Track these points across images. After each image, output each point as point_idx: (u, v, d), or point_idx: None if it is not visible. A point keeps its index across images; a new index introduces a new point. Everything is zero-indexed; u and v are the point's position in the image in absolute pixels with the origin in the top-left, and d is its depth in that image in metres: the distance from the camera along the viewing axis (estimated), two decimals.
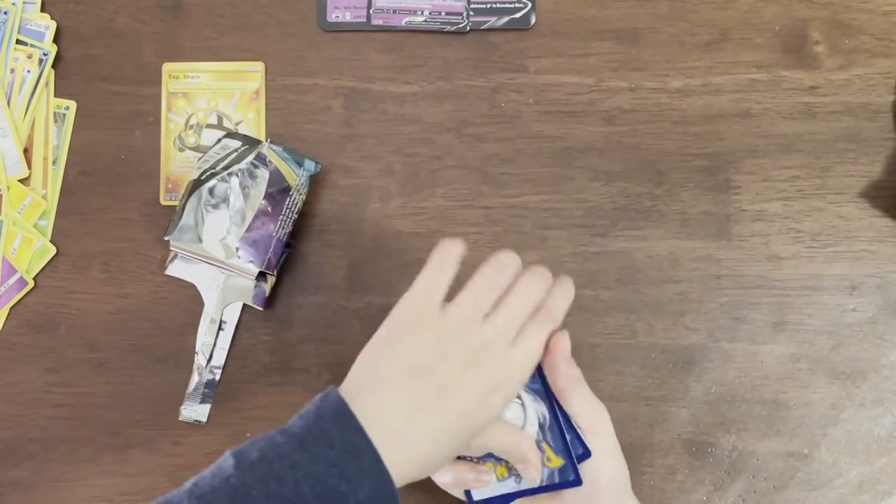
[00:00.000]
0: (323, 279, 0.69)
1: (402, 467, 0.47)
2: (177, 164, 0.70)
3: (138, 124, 0.71)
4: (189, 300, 0.69)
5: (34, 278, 0.69)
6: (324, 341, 0.68)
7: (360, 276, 0.69)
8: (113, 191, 0.70)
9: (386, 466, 0.46)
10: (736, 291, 0.68)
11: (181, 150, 0.70)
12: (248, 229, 0.65)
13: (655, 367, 0.67)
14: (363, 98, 0.71)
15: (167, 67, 0.71)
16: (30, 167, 0.70)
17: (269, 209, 0.66)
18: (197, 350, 0.68)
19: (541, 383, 0.52)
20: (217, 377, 0.68)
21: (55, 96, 0.71)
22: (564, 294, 0.55)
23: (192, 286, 0.68)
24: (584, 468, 0.53)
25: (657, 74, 0.69)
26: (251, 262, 0.65)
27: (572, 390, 0.55)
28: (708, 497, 0.66)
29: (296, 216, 0.68)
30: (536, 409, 0.52)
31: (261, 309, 0.68)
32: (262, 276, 0.67)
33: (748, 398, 0.67)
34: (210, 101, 0.71)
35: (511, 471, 0.53)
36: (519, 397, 0.53)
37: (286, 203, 0.66)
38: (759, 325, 0.67)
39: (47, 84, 0.71)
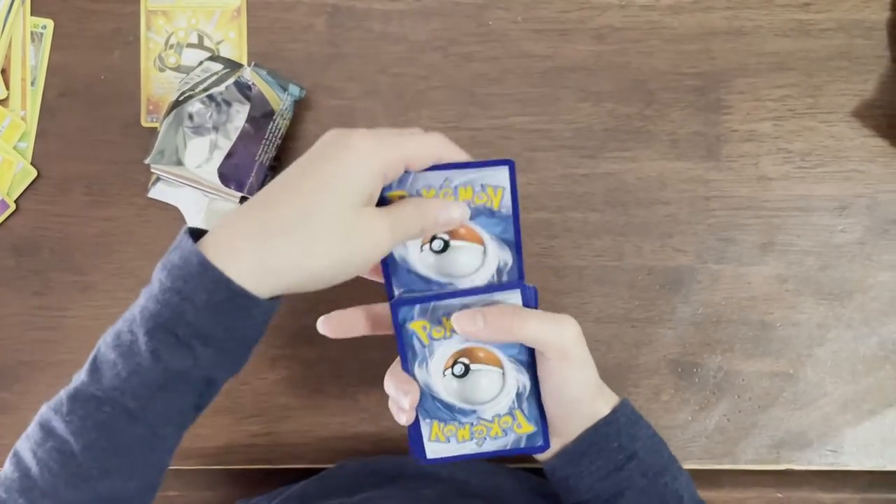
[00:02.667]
0: None
1: (242, 264, 0.43)
2: (157, 85, 0.69)
3: (118, 44, 0.69)
4: (173, 223, 0.68)
5: (16, 201, 0.68)
6: None
7: None
8: (93, 112, 0.69)
9: (215, 264, 0.42)
10: (725, 213, 0.67)
11: (161, 70, 0.69)
12: (230, 153, 0.64)
13: (643, 289, 0.67)
14: (347, 16, 0.69)
15: None
16: (8, 88, 0.68)
17: (251, 133, 0.65)
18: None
19: (527, 354, 0.51)
20: None
21: (32, 15, 0.69)
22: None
23: (176, 209, 0.68)
24: (549, 395, 0.51)
25: None
26: (233, 185, 0.64)
27: (518, 324, 0.48)
28: (693, 417, 0.67)
29: (279, 141, 0.67)
30: (517, 379, 0.52)
31: None
32: (245, 199, 0.66)
33: (735, 319, 0.67)
34: (190, 19, 0.69)
35: (474, 435, 0.53)
36: (500, 365, 0.51)
37: (269, 127, 0.65)
38: (747, 247, 0.67)
39: (24, 2, 0.69)
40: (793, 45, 0.67)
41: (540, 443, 0.52)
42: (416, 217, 0.47)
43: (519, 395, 0.51)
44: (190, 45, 0.69)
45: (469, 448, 0.52)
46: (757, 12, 0.67)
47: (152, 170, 0.66)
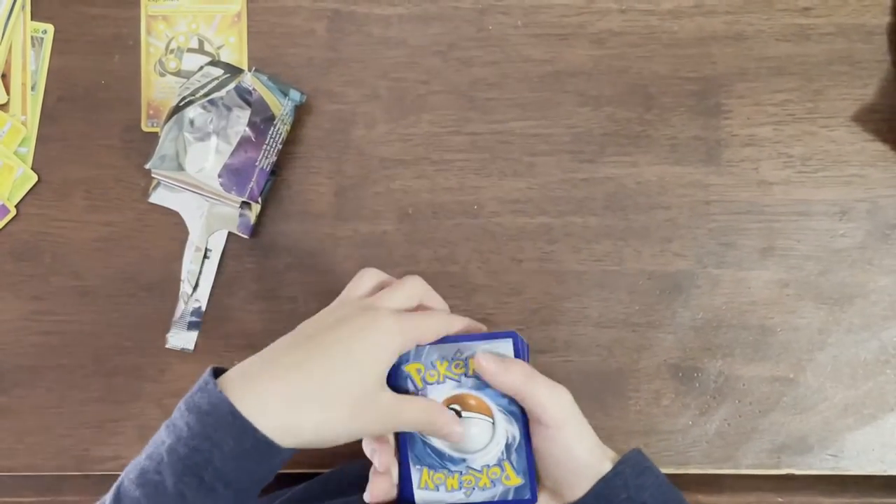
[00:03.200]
0: (308, 207, 0.68)
1: (270, 419, 0.46)
2: (158, 90, 0.69)
3: (118, 48, 0.69)
4: (174, 228, 0.68)
5: (16, 206, 0.68)
6: (309, 269, 0.68)
7: (346, 204, 0.68)
8: (94, 117, 0.69)
9: (244, 416, 0.45)
10: (725, 217, 0.67)
11: (162, 74, 0.69)
12: (231, 158, 0.64)
13: (642, 294, 0.67)
14: (348, 20, 0.69)
15: None
16: (8, 93, 0.68)
17: (252, 138, 0.65)
18: (182, 278, 0.68)
19: (518, 406, 0.51)
20: (203, 305, 0.68)
21: (32, 19, 0.69)
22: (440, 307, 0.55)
23: (177, 214, 0.68)
24: (550, 463, 0.52)
25: None
26: (234, 191, 0.64)
27: (530, 383, 0.51)
28: (693, 421, 0.67)
29: (280, 146, 0.67)
30: (507, 430, 0.52)
31: (246, 237, 0.67)
32: (246, 204, 0.66)
33: (735, 324, 0.67)
34: (190, 24, 0.69)
35: (462, 484, 0.53)
36: (491, 415, 0.52)
37: (270, 133, 0.65)
38: (747, 251, 0.67)
39: (24, 7, 0.69)
40: (793, 50, 0.67)
41: (527, 496, 0.52)
42: (423, 419, 0.51)
43: (508, 447, 0.52)
44: (190, 50, 0.69)
45: (457, 497, 0.53)
46: (757, 17, 0.67)
47: (153, 175, 0.66)
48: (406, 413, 0.50)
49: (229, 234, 0.68)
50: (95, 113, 0.69)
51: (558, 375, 0.66)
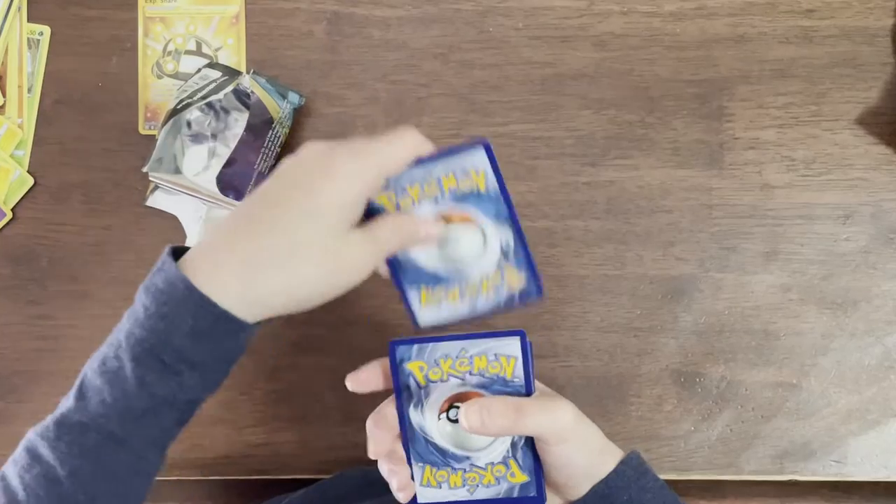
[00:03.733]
0: None
1: (230, 292, 0.43)
2: (155, 92, 0.68)
3: (115, 50, 0.69)
4: (171, 232, 0.67)
5: (12, 210, 0.68)
6: None
7: None
8: (91, 119, 0.68)
9: (202, 291, 0.42)
10: (727, 221, 0.66)
11: (159, 77, 0.68)
12: (229, 161, 0.64)
13: (644, 298, 0.66)
14: (347, 22, 0.68)
15: None
16: (4, 95, 0.68)
17: (250, 141, 0.64)
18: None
19: (506, 206, 0.49)
20: None
21: (28, 21, 0.68)
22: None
23: (175, 217, 0.67)
24: (555, 474, 0.50)
25: None
26: (231, 194, 0.64)
27: (520, 420, 0.48)
28: (696, 427, 0.66)
29: (278, 149, 0.66)
30: (499, 236, 0.49)
31: None
32: None
33: (737, 328, 0.66)
34: (188, 26, 0.68)
35: (466, 482, 0.52)
36: (479, 225, 0.50)
37: (268, 136, 0.65)
38: (750, 255, 0.66)
39: (20, 9, 0.68)
40: (796, 53, 0.67)
41: (533, 493, 0.51)
42: (394, 235, 0.47)
43: (514, 445, 0.51)
44: (188, 52, 0.68)
45: (461, 495, 0.51)
46: (760, 19, 0.67)
47: (150, 178, 0.66)
48: (380, 242, 0.46)
49: None
50: (92, 115, 0.68)
51: (559, 380, 0.66)
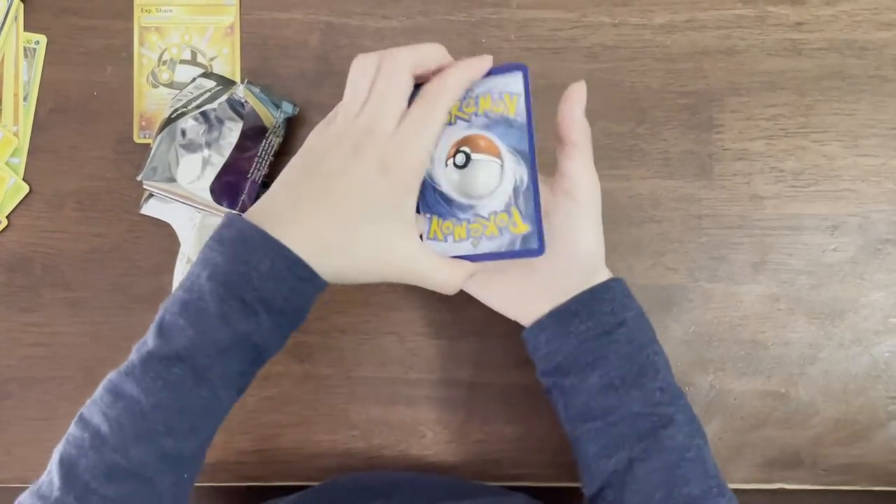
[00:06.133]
0: None
1: (305, 245, 0.48)
2: (150, 101, 0.69)
3: (110, 60, 0.69)
4: (165, 239, 0.68)
5: (7, 217, 0.68)
6: None
7: None
8: (86, 128, 0.69)
9: (278, 238, 0.47)
10: (717, 231, 0.67)
11: (155, 86, 0.69)
12: (223, 170, 0.64)
13: None
14: (341, 33, 0.69)
15: (139, 0, 0.69)
16: (0, 104, 0.68)
17: (244, 150, 0.65)
18: (174, 290, 0.67)
19: (528, 145, 0.50)
20: None
21: (24, 30, 0.69)
22: (465, 65, 0.52)
23: (168, 225, 0.68)
24: (559, 240, 0.52)
25: (641, 10, 0.68)
26: (225, 203, 0.64)
27: (579, 148, 0.52)
28: None
29: (272, 158, 0.67)
30: (515, 171, 0.50)
31: None
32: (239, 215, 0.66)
33: (726, 338, 0.67)
34: (183, 35, 0.69)
35: (470, 233, 0.52)
36: (500, 156, 0.51)
37: (262, 145, 0.65)
38: (738, 265, 0.67)
39: (16, 18, 0.69)
40: (785, 65, 0.67)
41: (535, 245, 0.51)
42: (442, 282, 0.52)
43: (516, 190, 0.51)
44: (183, 62, 0.69)
45: (464, 248, 0.52)
46: (749, 31, 0.67)
47: (145, 186, 0.66)
48: (426, 273, 0.51)
49: None
50: (87, 124, 0.69)
51: None
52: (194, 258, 0.67)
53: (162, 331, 0.49)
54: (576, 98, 0.52)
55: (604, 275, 0.56)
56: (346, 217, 0.49)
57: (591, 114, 0.67)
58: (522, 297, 0.56)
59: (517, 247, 0.51)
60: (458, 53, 0.68)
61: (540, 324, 0.55)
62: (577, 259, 0.54)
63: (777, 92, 0.67)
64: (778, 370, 0.67)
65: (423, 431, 0.68)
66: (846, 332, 0.66)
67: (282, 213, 0.49)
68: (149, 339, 0.49)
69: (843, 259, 0.67)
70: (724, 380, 0.67)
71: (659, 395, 0.52)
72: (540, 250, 0.51)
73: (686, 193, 0.67)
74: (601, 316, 0.53)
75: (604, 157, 0.67)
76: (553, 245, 0.52)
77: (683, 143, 0.67)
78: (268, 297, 0.48)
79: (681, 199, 0.67)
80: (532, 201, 0.50)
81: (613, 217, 0.67)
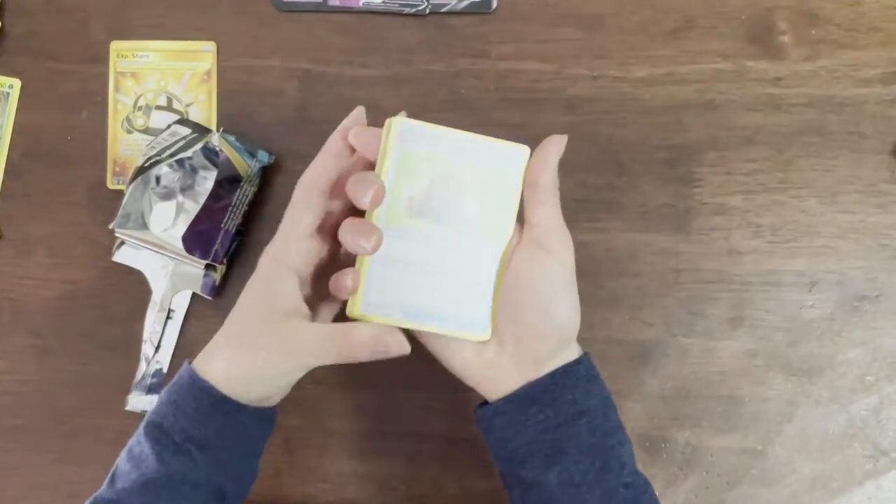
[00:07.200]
0: None
1: (229, 380, 0.49)
2: (125, 147, 0.68)
3: (85, 104, 0.68)
4: (137, 287, 0.67)
5: None
6: None
7: None
8: (58, 173, 0.68)
9: (202, 377, 0.49)
10: (694, 286, 0.67)
11: (129, 132, 0.68)
12: (196, 220, 0.63)
13: (611, 361, 0.66)
14: (318, 81, 0.68)
15: (115, 46, 0.68)
16: None
17: (218, 200, 0.64)
18: (144, 339, 0.67)
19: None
20: (165, 367, 0.67)
21: None
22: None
23: (140, 273, 0.67)
24: (527, 304, 0.50)
25: (620, 63, 0.68)
26: (198, 253, 0.63)
27: (549, 193, 0.51)
28: (661, 493, 0.66)
29: (246, 207, 0.66)
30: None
31: (210, 298, 0.66)
32: (210, 266, 0.65)
33: (703, 394, 0.66)
34: (159, 81, 0.68)
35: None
36: None
37: (236, 194, 0.64)
38: (716, 321, 0.66)
39: None
40: (764, 120, 0.67)
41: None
42: (367, 350, 0.50)
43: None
44: (159, 108, 0.68)
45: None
46: (728, 86, 0.67)
47: (117, 234, 0.65)
48: (350, 348, 0.49)
49: (193, 294, 0.67)
50: (60, 169, 0.68)
51: None
52: (165, 307, 0.66)
53: (112, 477, 0.51)
54: (553, 145, 0.51)
55: (573, 348, 0.52)
56: (248, 342, 0.50)
57: (570, 165, 0.67)
58: (489, 367, 0.52)
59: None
60: (437, 103, 0.68)
61: (495, 407, 0.51)
62: (550, 324, 0.50)
63: (756, 146, 0.67)
64: (755, 427, 0.66)
65: (397, 485, 0.67)
66: (823, 389, 0.66)
67: (212, 350, 0.51)
68: (103, 485, 0.51)
69: (821, 316, 0.66)
70: (700, 436, 0.66)
71: (623, 491, 0.49)
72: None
73: (664, 247, 0.67)
74: (562, 405, 0.49)
75: (581, 210, 0.67)
76: (521, 307, 0.50)
77: (662, 197, 0.67)
78: (197, 437, 0.49)
79: (658, 253, 0.67)
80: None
81: (590, 270, 0.66)
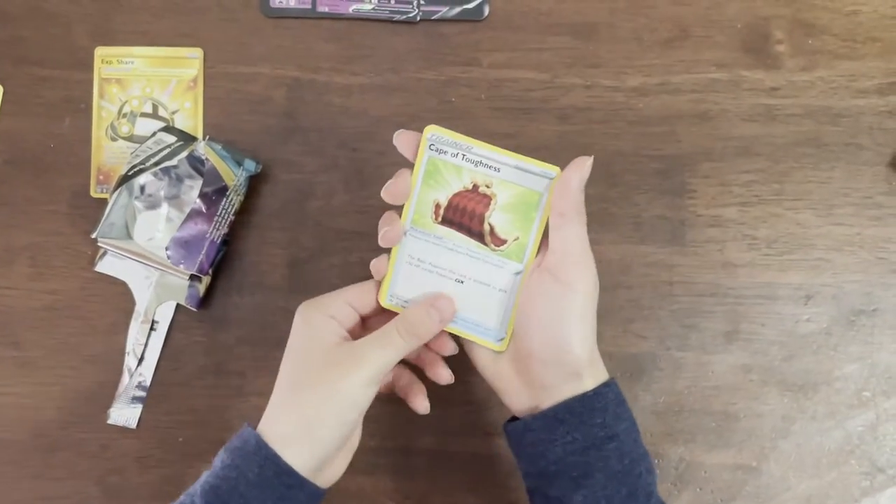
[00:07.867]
0: (261, 278, 0.66)
1: (299, 456, 0.48)
2: (109, 155, 0.67)
3: (69, 111, 0.67)
4: (120, 298, 0.66)
5: None
6: (261, 343, 0.66)
7: (301, 276, 0.66)
8: (41, 181, 0.67)
9: (270, 445, 0.47)
10: (688, 299, 0.65)
11: (114, 139, 0.67)
12: (181, 229, 0.62)
13: None
14: (307, 89, 0.67)
15: (100, 52, 0.67)
16: None
17: (203, 209, 0.63)
18: (128, 350, 0.65)
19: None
20: (148, 379, 0.65)
21: None
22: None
23: (124, 284, 0.65)
24: (534, 332, 0.50)
25: (614, 72, 0.67)
26: (182, 264, 0.62)
27: (571, 220, 0.50)
28: None
29: (233, 217, 0.65)
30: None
31: (195, 309, 0.65)
32: (195, 277, 0.64)
33: (697, 409, 0.65)
34: (145, 88, 0.67)
35: None
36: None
37: (222, 204, 0.63)
38: (710, 334, 0.65)
39: None
40: (759, 130, 0.66)
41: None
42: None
43: None
44: (144, 115, 0.67)
45: None
46: (723, 96, 0.66)
47: (100, 243, 0.64)
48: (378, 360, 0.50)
49: (178, 305, 0.65)
50: (43, 177, 0.67)
51: None
52: (149, 318, 0.65)
53: None
54: (574, 168, 0.50)
55: (592, 378, 0.50)
56: (304, 390, 0.49)
57: None
58: (503, 378, 0.52)
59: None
60: (427, 112, 0.67)
61: (525, 423, 0.50)
62: (554, 355, 0.49)
63: (751, 157, 0.66)
64: (749, 443, 0.65)
65: (384, 501, 0.65)
66: (819, 405, 0.65)
67: (276, 415, 0.50)
68: None
69: (817, 330, 0.65)
70: (694, 452, 0.65)
71: None
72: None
73: (657, 259, 0.66)
74: (591, 428, 0.48)
75: None
76: (528, 332, 0.50)
77: (655, 208, 0.66)
78: (253, 503, 0.47)
79: (652, 265, 0.66)
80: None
81: None
